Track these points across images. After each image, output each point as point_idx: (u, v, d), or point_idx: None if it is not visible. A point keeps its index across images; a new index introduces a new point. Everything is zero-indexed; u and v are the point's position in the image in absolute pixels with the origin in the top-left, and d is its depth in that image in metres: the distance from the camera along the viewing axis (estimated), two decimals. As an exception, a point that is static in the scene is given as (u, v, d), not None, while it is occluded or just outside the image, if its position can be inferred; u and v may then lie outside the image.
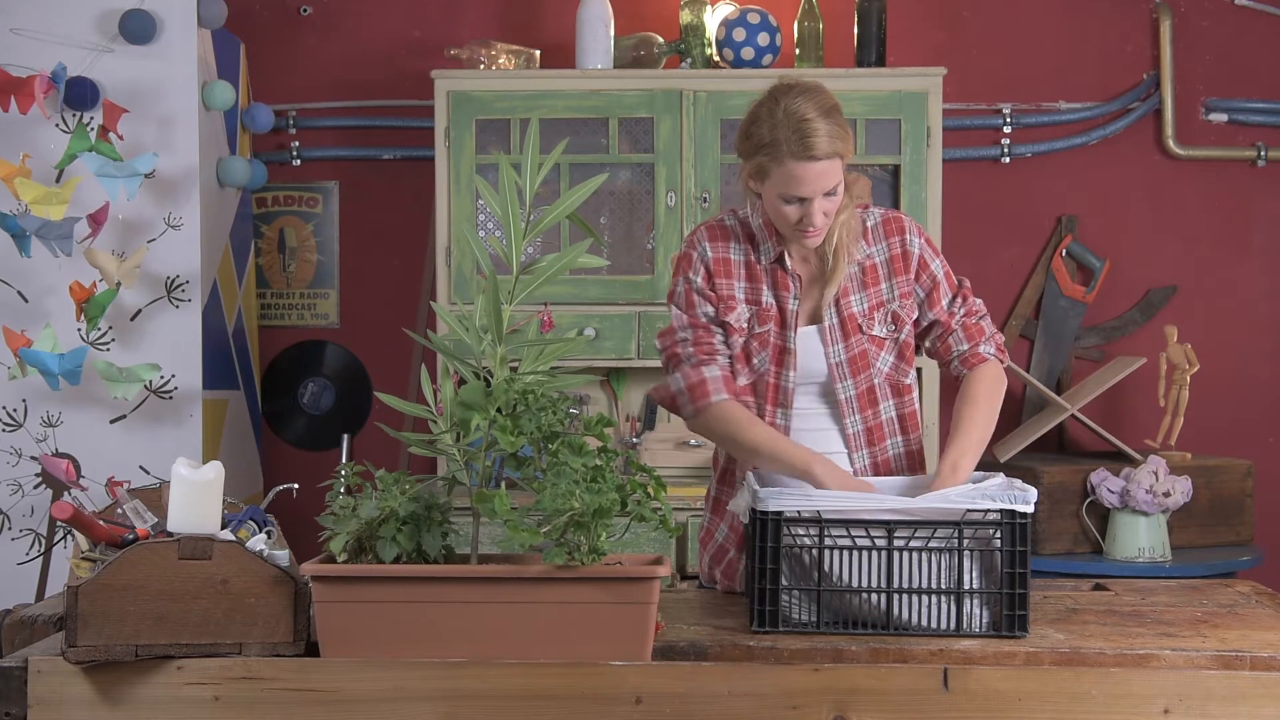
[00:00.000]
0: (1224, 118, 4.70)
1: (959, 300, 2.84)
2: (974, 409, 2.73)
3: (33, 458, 4.12)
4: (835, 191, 2.68)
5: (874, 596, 2.44)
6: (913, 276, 2.81)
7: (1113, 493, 4.02)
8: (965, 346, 2.82)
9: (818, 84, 2.71)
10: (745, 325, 2.79)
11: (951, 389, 2.88)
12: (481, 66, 4.45)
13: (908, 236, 2.83)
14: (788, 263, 2.79)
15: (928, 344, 2.87)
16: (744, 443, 2.72)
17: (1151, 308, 4.71)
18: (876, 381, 2.80)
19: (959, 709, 2.28)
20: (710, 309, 2.80)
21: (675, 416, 2.84)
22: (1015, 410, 4.65)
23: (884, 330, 2.80)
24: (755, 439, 2.71)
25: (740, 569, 2.83)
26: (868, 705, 2.28)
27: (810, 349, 2.79)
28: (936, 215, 4.27)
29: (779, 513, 2.44)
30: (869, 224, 2.83)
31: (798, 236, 2.73)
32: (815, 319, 2.81)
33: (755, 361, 2.79)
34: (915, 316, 2.82)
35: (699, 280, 2.80)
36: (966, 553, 2.44)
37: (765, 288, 2.80)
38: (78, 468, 4.04)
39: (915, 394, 2.86)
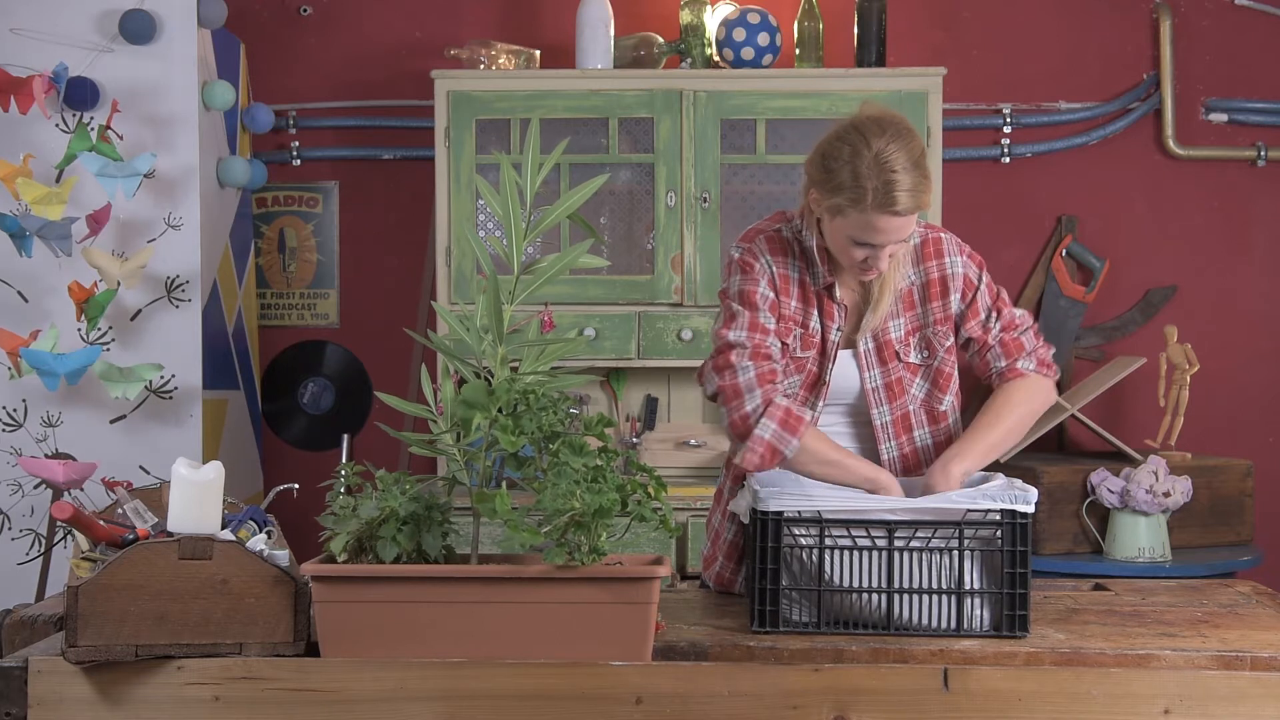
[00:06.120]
0: (1224, 118, 4.70)
1: (995, 316, 2.75)
2: (986, 417, 2.67)
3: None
4: (907, 240, 2.63)
5: (874, 597, 2.44)
6: (958, 297, 2.73)
7: (1113, 493, 4.01)
8: (1003, 363, 2.74)
9: (907, 126, 2.59)
10: (792, 347, 2.72)
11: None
12: (481, 66, 4.45)
13: (947, 259, 2.74)
14: (837, 292, 2.72)
15: (969, 358, 2.79)
16: (813, 453, 2.62)
17: (1151, 308, 4.71)
18: (912, 408, 2.74)
19: (959, 709, 2.28)
20: (773, 321, 2.70)
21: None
22: (1015, 410, 4.64)
23: (918, 357, 2.74)
24: (820, 450, 2.62)
25: (730, 573, 2.83)
26: (868, 705, 2.28)
27: (842, 373, 2.73)
28: (937, 215, 4.26)
29: (779, 513, 2.44)
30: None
31: (856, 273, 2.67)
32: (849, 344, 2.74)
33: (785, 384, 2.71)
34: (949, 343, 2.75)
35: (766, 288, 2.70)
36: (967, 553, 2.44)
37: (814, 311, 2.73)
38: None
39: (951, 421, 2.78)
